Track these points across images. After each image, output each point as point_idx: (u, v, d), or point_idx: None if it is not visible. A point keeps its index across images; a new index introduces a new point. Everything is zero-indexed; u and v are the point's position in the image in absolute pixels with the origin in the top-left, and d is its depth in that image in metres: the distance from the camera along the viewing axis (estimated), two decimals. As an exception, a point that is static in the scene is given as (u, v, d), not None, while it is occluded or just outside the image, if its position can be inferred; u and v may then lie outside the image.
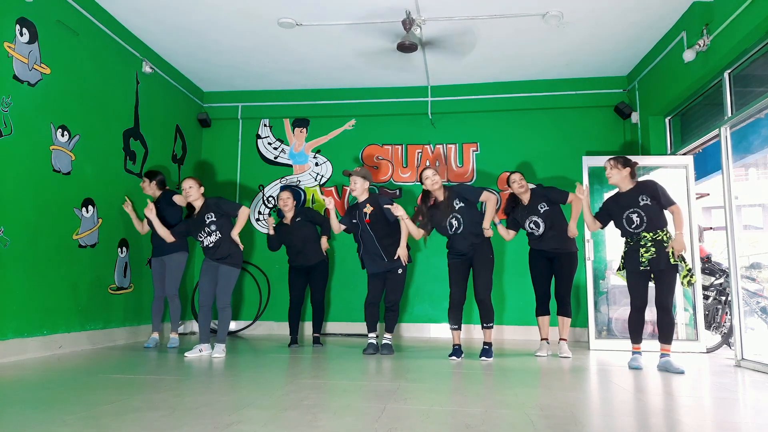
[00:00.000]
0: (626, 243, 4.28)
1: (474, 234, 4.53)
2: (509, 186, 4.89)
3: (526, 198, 4.85)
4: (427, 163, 6.70)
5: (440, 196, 4.63)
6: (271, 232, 5.39)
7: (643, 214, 4.11)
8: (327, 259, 5.46)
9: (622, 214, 4.21)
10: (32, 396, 2.88)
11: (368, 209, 4.78)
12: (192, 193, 4.58)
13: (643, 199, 4.14)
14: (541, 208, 4.73)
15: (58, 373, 3.57)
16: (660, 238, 4.09)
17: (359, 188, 4.81)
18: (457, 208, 4.55)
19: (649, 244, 4.08)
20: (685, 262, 4.06)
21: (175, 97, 6.45)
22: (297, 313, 5.44)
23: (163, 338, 5.71)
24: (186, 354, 4.42)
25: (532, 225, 4.77)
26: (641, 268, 4.11)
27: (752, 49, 4.31)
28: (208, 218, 4.53)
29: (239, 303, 6.76)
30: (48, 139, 4.42)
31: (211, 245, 4.54)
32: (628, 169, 4.22)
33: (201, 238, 4.55)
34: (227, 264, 4.57)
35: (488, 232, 4.55)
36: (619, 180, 4.25)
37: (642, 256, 4.10)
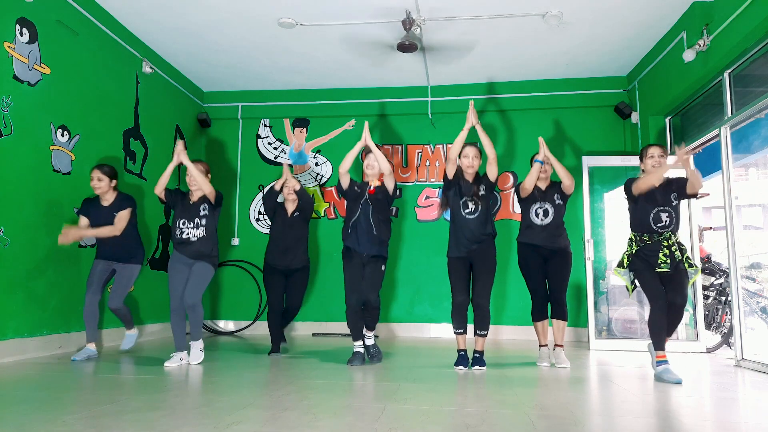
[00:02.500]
0: (640, 240, 3.95)
1: (483, 229, 4.22)
2: (531, 165, 4.51)
3: (544, 184, 4.52)
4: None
5: (470, 179, 4.33)
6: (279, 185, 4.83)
7: (673, 214, 3.88)
8: (308, 264, 4.96)
9: (651, 209, 3.91)
10: (32, 396, 2.88)
11: (376, 182, 4.42)
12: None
13: (674, 198, 3.92)
14: (557, 199, 4.45)
15: (58, 373, 3.57)
16: (678, 240, 3.93)
17: (377, 168, 4.41)
18: (479, 193, 4.25)
19: (674, 246, 3.85)
20: (695, 266, 3.90)
21: (175, 97, 6.45)
22: (277, 318, 4.83)
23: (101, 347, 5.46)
24: (165, 364, 3.94)
25: (540, 211, 4.42)
26: (658, 270, 3.82)
27: (752, 49, 4.31)
28: (203, 209, 4.15)
29: (239, 303, 6.76)
30: (48, 139, 4.42)
31: (194, 239, 4.09)
32: None
33: (185, 227, 4.10)
34: (205, 261, 4.13)
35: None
36: (663, 172, 3.93)
37: (667, 257, 3.81)
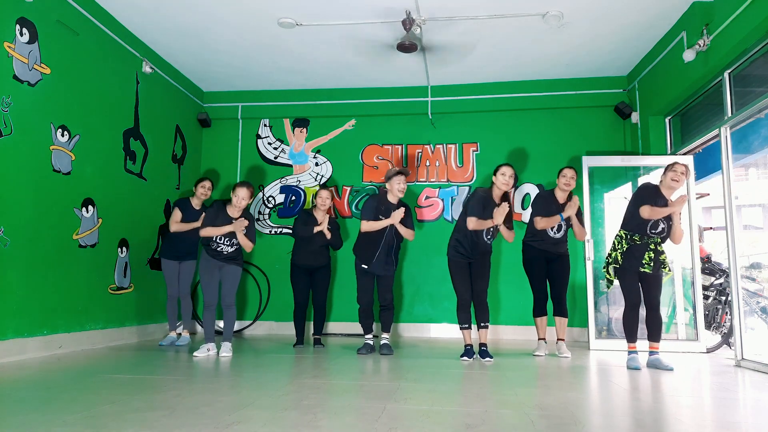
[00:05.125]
0: (630, 239, 4.23)
1: (487, 242, 4.55)
2: (558, 178, 4.77)
3: (563, 198, 4.76)
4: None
5: (498, 201, 4.56)
6: (328, 235, 5.23)
7: (666, 228, 4.19)
8: (330, 261, 5.46)
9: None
10: (32, 396, 2.88)
11: (400, 213, 4.69)
12: (243, 205, 4.59)
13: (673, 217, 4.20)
14: (570, 218, 4.71)
15: (58, 373, 3.57)
16: (661, 246, 4.25)
17: (405, 189, 4.81)
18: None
19: (660, 249, 4.18)
20: (667, 269, 4.26)
21: (175, 97, 6.45)
22: (303, 315, 5.42)
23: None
24: (195, 354, 4.45)
25: (555, 226, 4.71)
26: (641, 269, 4.16)
27: (752, 49, 4.31)
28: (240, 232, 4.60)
29: (240, 303, 6.75)
30: (48, 139, 4.42)
31: (225, 253, 4.61)
32: None
33: (220, 242, 4.57)
34: (234, 263, 4.66)
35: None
36: (679, 187, 4.22)
37: (651, 260, 4.14)
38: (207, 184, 5.34)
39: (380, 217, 4.70)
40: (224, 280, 4.65)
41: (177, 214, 5.21)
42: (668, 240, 4.26)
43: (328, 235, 5.23)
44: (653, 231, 4.17)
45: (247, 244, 4.61)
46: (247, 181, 5.06)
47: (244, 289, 6.75)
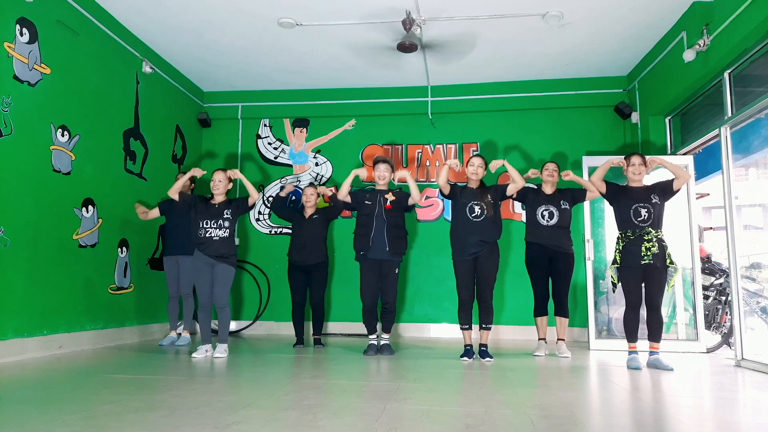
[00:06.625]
0: (625, 237, 4.29)
1: (488, 232, 4.50)
2: (540, 173, 4.90)
3: (550, 190, 4.86)
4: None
5: (475, 186, 4.66)
6: (283, 194, 5.50)
7: (652, 210, 4.23)
8: (327, 260, 5.42)
9: (631, 205, 4.28)
10: (32, 396, 2.88)
11: (390, 196, 4.80)
12: (221, 188, 4.62)
13: (654, 197, 4.28)
14: (563, 204, 4.77)
15: (58, 373, 3.57)
16: (661, 237, 4.23)
17: (387, 177, 4.87)
18: (485, 198, 4.55)
19: (654, 239, 4.18)
20: (674, 264, 4.21)
21: (175, 97, 6.45)
22: (301, 314, 5.42)
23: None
24: (193, 355, 4.43)
25: (545, 213, 4.74)
26: (642, 262, 4.16)
27: (752, 49, 4.31)
28: (226, 213, 4.57)
29: (240, 303, 6.75)
30: (48, 139, 4.43)
31: (216, 239, 4.49)
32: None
33: (208, 227, 4.50)
34: (225, 263, 4.53)
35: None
36: (642, 177, 4.39)
37: (648, 250, 4.16)
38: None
39: (366, 201, 4.80)
40: (216, 281, 4.52)
41: (153, 212, 5.12)
42: (660, 228, 4.27)
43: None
44: (638, 219, 4.23)
45: (248, 186, 4.65)
46: None
47: (243, 289, 6.75)
